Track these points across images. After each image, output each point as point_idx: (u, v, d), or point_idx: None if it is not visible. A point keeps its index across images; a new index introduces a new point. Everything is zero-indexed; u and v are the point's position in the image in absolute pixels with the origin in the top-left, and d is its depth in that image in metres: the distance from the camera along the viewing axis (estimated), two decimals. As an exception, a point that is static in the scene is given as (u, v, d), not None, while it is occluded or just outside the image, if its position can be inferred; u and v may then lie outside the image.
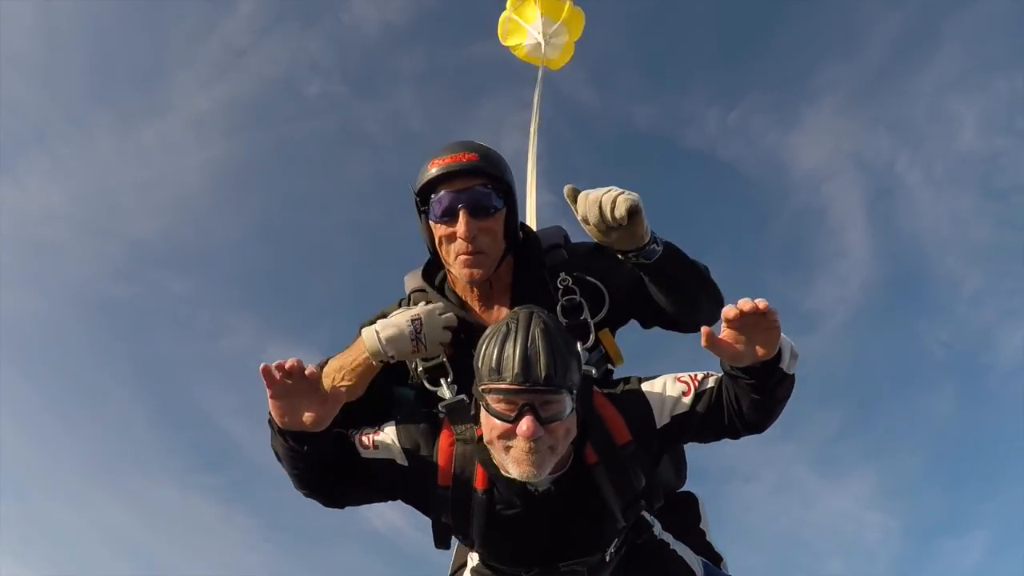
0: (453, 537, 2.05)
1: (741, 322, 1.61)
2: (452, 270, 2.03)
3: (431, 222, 1.99)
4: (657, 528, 2.25)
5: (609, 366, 2.12)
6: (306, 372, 1.63)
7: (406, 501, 1.98)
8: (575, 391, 1.70)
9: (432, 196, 1.95)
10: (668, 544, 2.25)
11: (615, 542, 1.96)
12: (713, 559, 2.28)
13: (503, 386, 1.62)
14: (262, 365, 1.63)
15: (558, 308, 1.98)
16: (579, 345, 1.87)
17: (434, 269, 2.15)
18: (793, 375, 1.75)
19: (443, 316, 1.95)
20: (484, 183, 1.94)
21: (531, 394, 1.62)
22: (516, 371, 1.60)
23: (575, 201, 1.80)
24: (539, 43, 3.95)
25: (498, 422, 1.65)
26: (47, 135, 13.73)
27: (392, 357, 1.91)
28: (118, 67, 13.75)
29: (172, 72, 14.20)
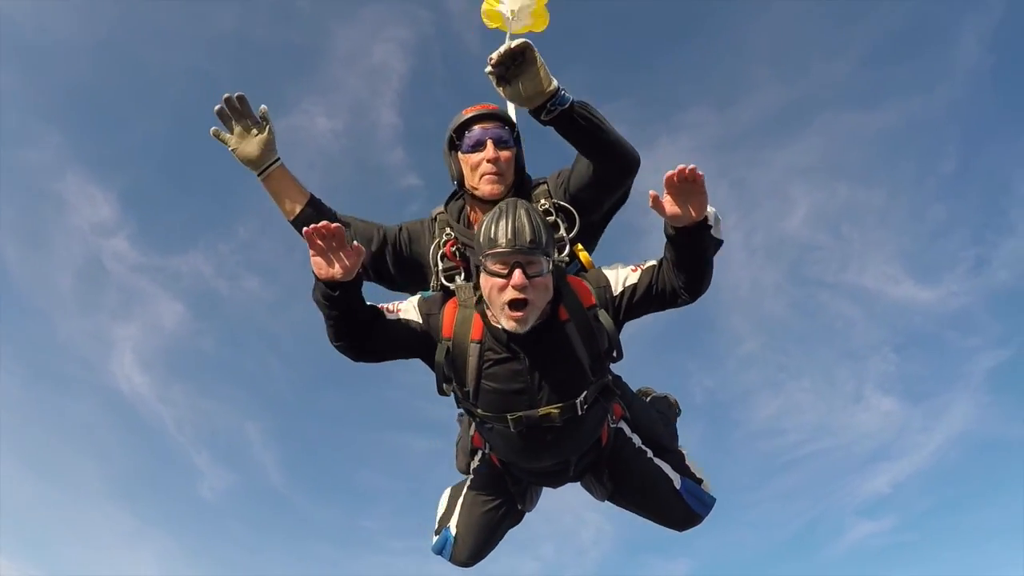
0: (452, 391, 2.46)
1: (679, 187, 2.07)
2: (477, 190, 2.52)
3: (463, 154, 2.53)
4: (637, 440, 2.76)
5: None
6: (336, 230, 2.09)
7: (418, 354, 2.46)
8: (551, 257, 2.21)
9: (466, 133, 2.51)
10: (647, 454, 2.76)
11: (584, 394, 2.36)
12: (694, 479, 2.76)
13: (499, 250, 2.13)
14: (305, 230, 2.11)
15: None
16: (557, 254, 2.36)
17: (453, 200, 2.68)
18: (720, 239, 2.25)
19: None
20: (503, 125, 2.53)
21: (519, 254, 2.13)
22: (509, 237, 2.13)
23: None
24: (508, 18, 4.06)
25: (495, 279, 2.15)
26: None
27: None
28: None
29: None
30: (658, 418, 2.92)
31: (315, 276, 2.20)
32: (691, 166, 2.02)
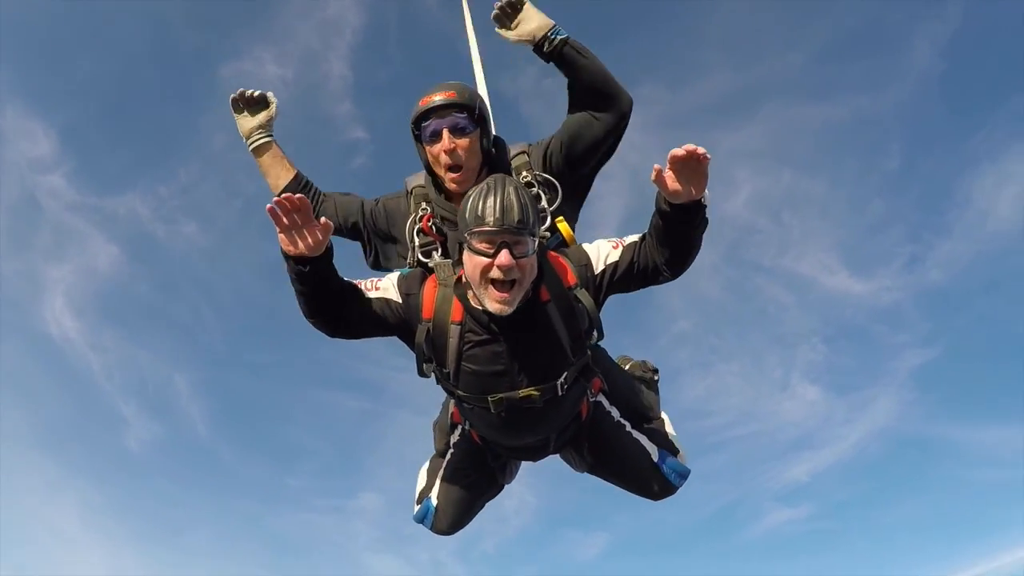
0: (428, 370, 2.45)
1: (683, 163, 2.05)
2: (444, 181, 2.58)
3: (424, 143, 2.54)
4: (616, 413, 2.79)
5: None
6: (299, 202, 2.10)
7: (397, 334, 2.43)
8: (537, 236, 2.17)
9: (423, 124, 2.52)
10: (625, 427, 2.79)
11: (565, 375, 2.36)
12: (671, 450, 2.81)
13: (486, 229, 2.08)
14: (267, 206, 2.08)
15: None
16: (539, 228, 2.30)
17: (434, 177, 2.68)
18: (707, 219, 2.23)
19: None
20: (459, 110, 2.50)
21: (507, 234, 2.09)
22: (496, 216, 2.08)
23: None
24: None
25: (480, 258, 2.11)
26: None
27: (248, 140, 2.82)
28: None
29: None
30: (639, 387, 2.96)
31: (283, 252, 2.17)
32: (702, 149, 2.02)
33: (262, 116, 2.78)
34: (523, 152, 2.64)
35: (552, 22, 2.52)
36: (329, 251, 2.21)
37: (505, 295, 2.12)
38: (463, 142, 2.47)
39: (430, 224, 2.54)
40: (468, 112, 2.49)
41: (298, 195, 2.08)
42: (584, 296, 2.30)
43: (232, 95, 2.78)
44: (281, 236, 2.14)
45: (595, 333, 2.38)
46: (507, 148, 2.68)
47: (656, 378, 3.19)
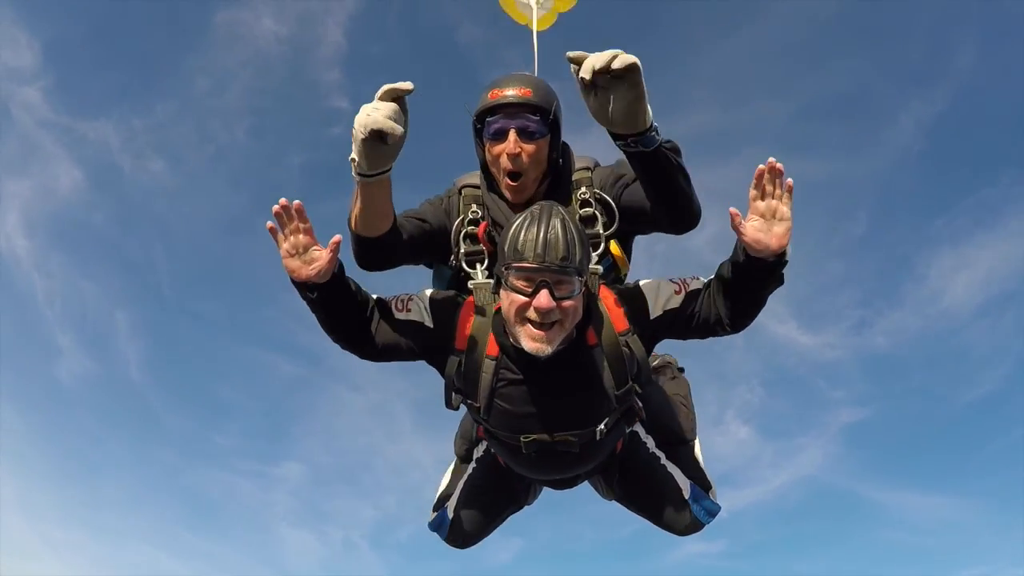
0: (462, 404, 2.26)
1: (764, 205, 1.88)
2: (501, 186, 2.31)
3: (486, 140, 2.25)
4: (651, 444, 2.59)
5: (618, 275, 2.42)
6: (294, 206, 1.94)
7: (426, 359, 2.23)
8: (584, 275, 1.93)
9: (488, 119, 2.22)
10: (660, 459, 2.60)
11: (605, 421, 2.18)
12: (703, 486, 2.63)
13: (525, 265, 1.85)
14: (268, 224, 1.95)
15: (575, 217, 2.21)
16: (591, 261, 2.07)
17: (493, 181, 2.39)
18: (784, 277, 2.00)
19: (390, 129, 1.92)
20: (533, 112, 2.19)
21: (547, 273, 1.85)
22: (537, 252, 1.85)
23: (579, 64, 1.84)
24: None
25: (517, 296, 1.88)
26: None
27: (368, 165, 1.97)
28: None
29: None
30: (675, 408, 2.76)
31: (290, 279, 2.02)
32: (780, 165, 1.85)
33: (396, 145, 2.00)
34: (587, 168, 2.38)
35: (650, 123, 1.88)
36: (338, 275, 2.03)
37: (543, 334, 1.89)
38: (530, 147, 2.19)
39: (485, 233, 2.27)
40: (542, 115, 2.20)
41: (296, 201, 1.93)
42: (635, 343, 2.09)
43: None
44: (286, 261, 1.97)
45: (643, 380, 2.18)
46: (572, 158, 2.40)
47: (679, 367, 3.01)
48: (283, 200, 1.94)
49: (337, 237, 1.97)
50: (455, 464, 2.89)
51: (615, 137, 1.94)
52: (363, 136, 1.88)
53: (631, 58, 1.77)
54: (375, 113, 1.88)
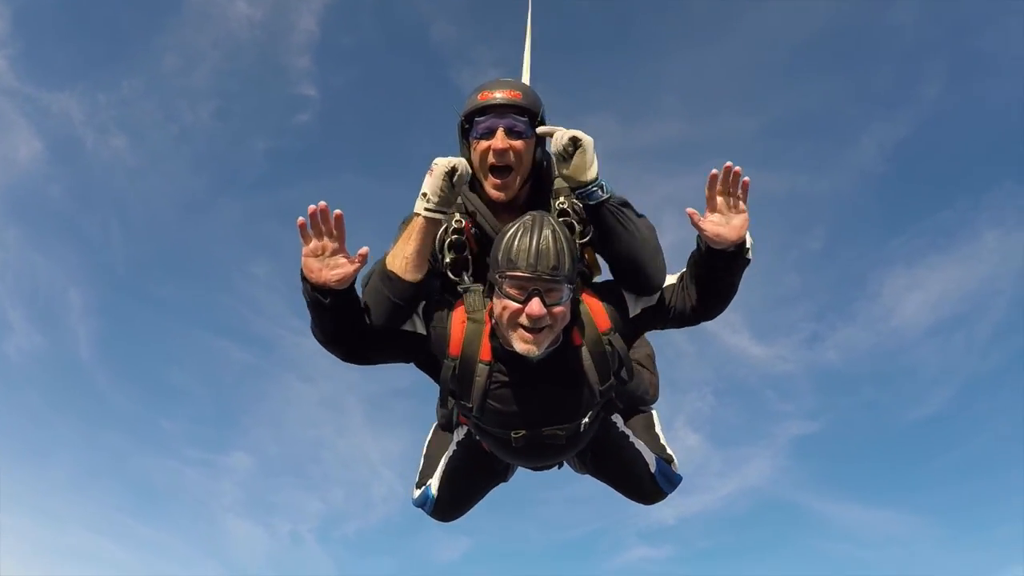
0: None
1: (720, 201, 2.08)
2: (484, 188, 2.38)
3: (472, 139, 2.34)
4: (620, 423, 2.80)
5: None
6: (333, 214, 2.00)
7: (420, 366, 2.37)
8: (573, 283, 2.09)
9: (477, 119, 2.33)
10: (628, 437, 2.81)
11: (590, 414, 2.36)
12: (665, 459, 2.87)
13: (517, 274, 2.00)
14: (299, 220, 1.99)
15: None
16: (576, 273, 2.19)
17: (476, 182, 2.48)
18: (749, 259, 2.21)
19: (464, 168, 2.21)
20: (521, 114, 2.32)
21: (539, 281, 1.99)
22: (529, 262, 1.98)
23: (548, 135, 2.24)
24: None
25: (510, 303, 2.02)
26: None
27: (438, 202, 2.17)
28: None
29: None
30: (639, 372, 2.88)
31: (304, 278, 2.06)
32: (738, 167, 2.02)
33: (459, 188, 2.23)
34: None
35: (591, 177, 2.15)
36: (353, 286, 2.10)
37: (533, 337, 2.04)
38: (518, 144, 2.29)
39: (470, 232, 2.36)
40: (530, 117, 2.33)
41: (336, 210, 1.97)
42: (618, 341, 2.26)
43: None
44: (307, 260, 2.02)
45: (624, 375, 2.34)
46: (554, 168, 2.45)
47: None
48: (323, 204, 1.99)
49: (365, 249, 2.05)
50: (433, 434, 2.99)
51: (571, 190, 2.25)
52: (446, 170, 2.13)
53: (573, 133, 2.15)
54: (451, 158, 2.17)
